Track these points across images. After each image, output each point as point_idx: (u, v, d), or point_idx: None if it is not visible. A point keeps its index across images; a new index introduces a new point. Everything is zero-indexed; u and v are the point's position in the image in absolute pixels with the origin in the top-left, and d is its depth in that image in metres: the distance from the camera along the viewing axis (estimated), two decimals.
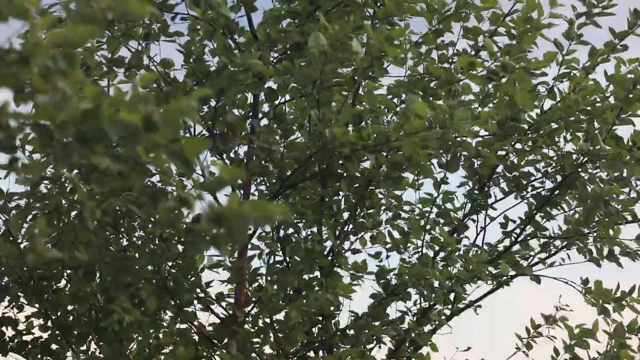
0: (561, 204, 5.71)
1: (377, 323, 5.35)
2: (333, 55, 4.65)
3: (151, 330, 5.12)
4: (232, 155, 5.39)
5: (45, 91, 1.94)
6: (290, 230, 5.45)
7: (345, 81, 4.90)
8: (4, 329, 5.33)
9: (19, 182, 4.71)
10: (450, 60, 5.45)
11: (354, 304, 5.37)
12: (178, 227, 4.60)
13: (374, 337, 5.36)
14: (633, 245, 5.70)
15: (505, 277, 5.53)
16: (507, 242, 5.74)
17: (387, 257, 5.61)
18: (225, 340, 5.21)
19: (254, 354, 5.34)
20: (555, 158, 5.55)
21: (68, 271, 5.15)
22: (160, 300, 5.00)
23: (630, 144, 5.31)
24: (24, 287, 5.15)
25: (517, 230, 5.72)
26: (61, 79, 1.94)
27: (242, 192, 5.37)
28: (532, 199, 5.70)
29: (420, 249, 5.61)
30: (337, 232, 5.44)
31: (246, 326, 5.31)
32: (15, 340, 5.33)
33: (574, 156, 5.46)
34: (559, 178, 5.60)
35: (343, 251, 5.44)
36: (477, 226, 5.76)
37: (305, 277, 5.23)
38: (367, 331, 5.30)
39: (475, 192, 5.71)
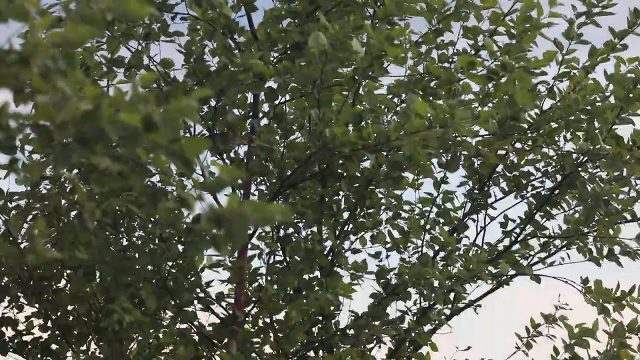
0: (561, 204, 5.71)
1: (377, 323, 5.35)
2: (333, 54, 4.65)
3: (151, 330, 5.12)
4: (232, 155, 5.39)
5: (45, 91, 1.94)
6: (290, 230, 5.45)
7: (346, 81, 4.90)
8: (3, 329, 5.32)
9: (18, 182, 4.71)
10: (450, 60, 5.45)
11: (354, 303, 5.38)
12: (178, 227, 4.60)
13: (374, 337, 5.36)
14: (633, 244, 5.70)
15: (505, 277, 5.53)
16: (507, 241, 5.74)
17: (387, 256, 5.61)
18: (225, 340, 5.21)
19: (254, 354, 5.34)
20: (555, 157, 5.55)
21: (68, 271, 5.15)
22: (160, 300, 5.00)
23: (630, 143, 5.31)
24: (24, 287, 5.15)
25: (517, 230, 5.72)
26: (61, 79, 1.94)
27: (242, 192, 5.37)
28: (532, 198, 5.70)
29: (420, 249, 5.62)
30: (337, 232, 5.43)
31: (246, 326, 5.31)
32: (15, 341, 5.33)
33: (574, 155, 5.46)
34: (558, 177, 5.60)
35: (343, 251, 5.44)
36: (477, 226, 5.77)
37: (305, 277, 5.23)
38: (367, 331, 5.30)
39: (475, 191, 5.71)
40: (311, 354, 5.37)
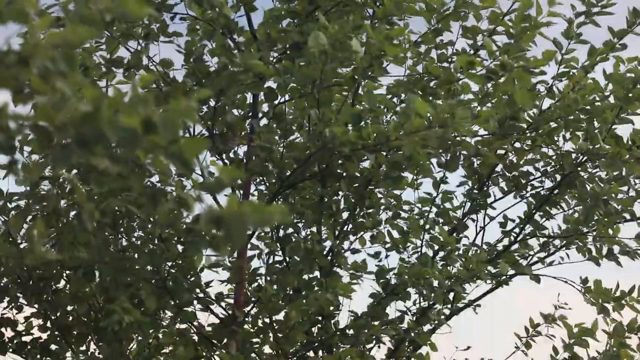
0: (560, 203, 5.71)
1: (376, 323, 5.35)
2: (333, 54, 4.64)
3: (151, 331, 5.12)
4: (231, 155, 5.39)
5: (45, 92, 1.93)
6: (290, 230, 5.45)
7: (345, 81, 4.90)
8: (3, 329, 5.32)
9: (18, 182, 4.71)
10: (450, 60, 5.45)
11: (353, 303, 5.38)
12: (177, 227, 4.60)
13: (374, 337, 5.36)
14: (632, 244, 5.70)
15: (504, 277, 5.53)
16: (506, 241, 5.74)
17: (387, 256, 5.61)
18: (225, 341, 5.21)
19: (253, 354, 5.34)
20: (554, 157, 5.55)
21: (67, 272, 5.15)
22: (160, 300, 5.00)
23: (629, 143, 5.31)
24: (24, 288, 5.15)
25: (517, 230, 5.72)
26: (60, 80, 1.94)
27: (241, 192, 5.36)
28: (531, 198, 5.70)
29: (419, 249, 5.61)
30: (337, 232, 5.43)
31: (245, 326, 5.31)
32: (15, 341, 5.32)
33: (573, 155, 5.46)
34: (558, 177, 5.60)
35: (343, 251, 5.44)
36: (476, 226, 5.77)
37: (305, 277, 5.23)
38: (366, 331, 5.30)
39: (475, 191, 5.71)
40: (311, 354, 5.37)
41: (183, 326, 5.23)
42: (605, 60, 5.46)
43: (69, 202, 4.96)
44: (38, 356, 5.32)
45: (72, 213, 4.97)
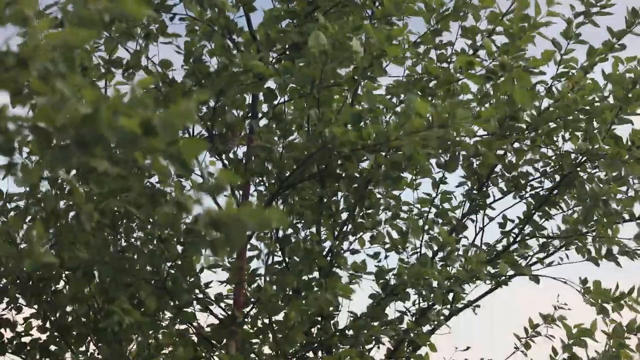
0: (560, 204, 5.71)
1: (376, 323, 5.35)
2: (333, 54, 4.64)
3: (150, 331, 5.11)
4: (231, 155, 5.39)
5: (44, 93, 1.93)
6: (290, 231, 5.44)
7: (345, 80, 4.90)
8: (2, 330, 5.32)
9: (18, 183, 4.70)
10: (449, 60, 5.45)
11: (353, 304, 5.38)
12: (177, 227, 4.60)
13: (373, 338, 5.36)
14: (631, 244, 5.70)
15: (503, 277, 5.53)
16: (505, 241, 5.74)
17: (386, 257, 5.61)
18: (224, 341, 5.21)
19: (253, 355, 5.34)
20: (553, 157, 5.55)
21: (67, 272, 5.14)
22: (160, 300, 5.00)
23: (629, 143, 5.31)
24: (23, 288, 5.15)
25: (516, 230, 5.72)
26: (60, 81, 1.94)
27: (241, 192, 5.36)
28: (530, 198, 5.70)
29: (419, 249, 5.61)
30: (336, 233, 5.43)
31: (245, 327, 5.31)
32: (14, 342, 5.32)
33: (573, 156, 5.46)
34: (557, 178, 5.60)
35: (342, 252, 5.44)
36: (475, 226, 5.77)
37: (305, 277, 5.22)
38: (366, 331, 5.30)
39: (474, 192, 5.70)
40: (310, 354, 5.37)
41: (183, 327, 5.23)
42: (604, 60, 5.46)
43: (68, 202, 4.95)
44: (37, 357, 5.31)
45: (71, 214, 4.96)
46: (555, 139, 5.43)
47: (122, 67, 5.16)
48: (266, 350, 5.37)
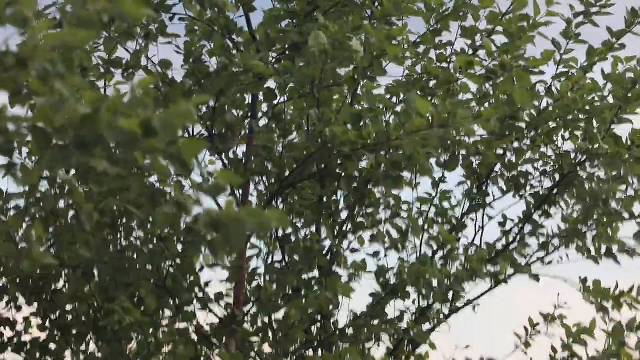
0: (559, 203, 5.71)
1: (376, 322, 5.35)
2: (333, 54, 4.64)
3: (150, 330, 5.12)
4: (231, 155, 5.39)
5: (43, 93, 1.94)
6: (290, 230, 5.44)
7: (345, 80, 4.90)
8: (2, 329, 5.32)
9: (18, 182, 4.69)
10: (449, 60, 5.45)
11: (353, 302, 5.38)
12: (177, 227, 4.60)
13: (373, 336, 5.36)
14: (631, 242, 5.71)
15: (503, 275, 5.53)
16: (505, 240, 5.74)
17: (385, 255, 5.61)
18: (224, 340, 5.21)
19: (253, 353, 5.34)
20: (553, 157, 5.55)
21: (66, 271, 5.15)
22: (160, 299, 5.00)
23: (629, 142, 5.31)
24: (23, 287, 5.15)
25: (516, 229, 5.73)
26: (59, 82, 1.94)
27: (240, 192, 5.36)
28: (530, 198, 5.70)
29: (419, 248, 5.62)
30: (336, 232, 5.43)
31: (245, 325, 5.31)
32: (14, 341, 5.32)
33: (572, 155, 5.47)
34: (557, 177, 5.60)
35: (342, 251, 5.44)
36: (475, 225, 5.77)
37: (305, 276, 5.23)
38: (366, 330, 5.30)
39: (474, 192, 5.70)
40: (310, 352, 5.37)
41: (183, 326, 5.24)
42: (604, 60, 5.46)
43: (67, 202, 4.95)
44: (37, 355, 5.32)
45: (71, 213, 4.96)
46: (555, 138, 5.44)
47: (122, 67, 5.16)
48: (266, 348, 5.37)
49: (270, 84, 5.15)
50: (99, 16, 2.00)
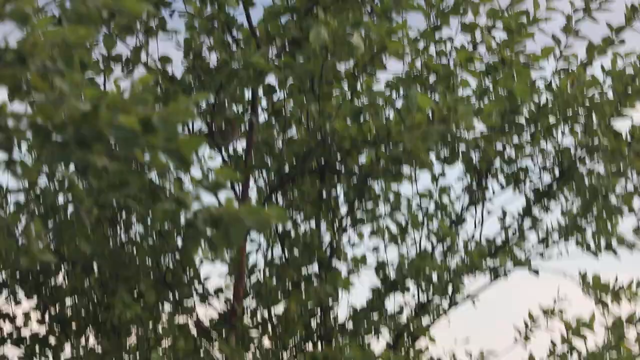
0: (559, 198, 5.71)
1: (375, 316, 5.36)
2: (334, 50, 4.64)
3: (150, 325, 5.12)
4: (231, 150, 5.39)
5: (43, 90, 1.94)
6: (289, 225, 5.45)
7: (345, 76, 4.90)
8: (1, 323, 5.33)
9: (18, 177, 4.69)
10: (448, 55, 5.44)
11: (353, 297, 5.39)
12: (176, 222, 4.59)
13: (373, 329, 5.37)
14: (630, 237, 5.71)
15: (503, 269, 5.53)
16: (504, 235, 5.74)
17: (385, 250, 5.61)
18: (224, 334, 5.22)
19: (252, 347, 5.35)
20: (553, 152, 5.55)
21: (66, 266, 5.15)
22: (159, 293, 5.01)
23: (628, 137, 5.32)
24: (22, 281, 5.15)
25: (515, 224, 5.73)
26: (59, 78, 1.95)
27: (241, 186, 5.36)
28: (530, 192, 5.70)
29: (418, 242, 5.62)
30: (336, 226, 5.44)
31: (245, 319, 5.31)
32: (13, 335, 5.33)
33: (572, 150, 5.47)
34: (557, 172, 5.60)
35: (342, 245, 5.44)
36: (475, 220, 5.77)
37: (304, 271, 5.23)
38: (366, 324, 5.31)
39: (474, 186, 5.71)
40: (310, 346, 5.38)
41: (182, 320, 5.24)
42: (603, 54, 5.46)
43: (67, 197, 4.95)
44: (37, 349, 5.32)
45: (70, 208, 4.96)
46: (554, 133, 5.44)
47: (122, 63, 5.15)
48: (266, 343, 5.38)
49: (271, 79, 5.16)
50: (98, 12, 2.01)
